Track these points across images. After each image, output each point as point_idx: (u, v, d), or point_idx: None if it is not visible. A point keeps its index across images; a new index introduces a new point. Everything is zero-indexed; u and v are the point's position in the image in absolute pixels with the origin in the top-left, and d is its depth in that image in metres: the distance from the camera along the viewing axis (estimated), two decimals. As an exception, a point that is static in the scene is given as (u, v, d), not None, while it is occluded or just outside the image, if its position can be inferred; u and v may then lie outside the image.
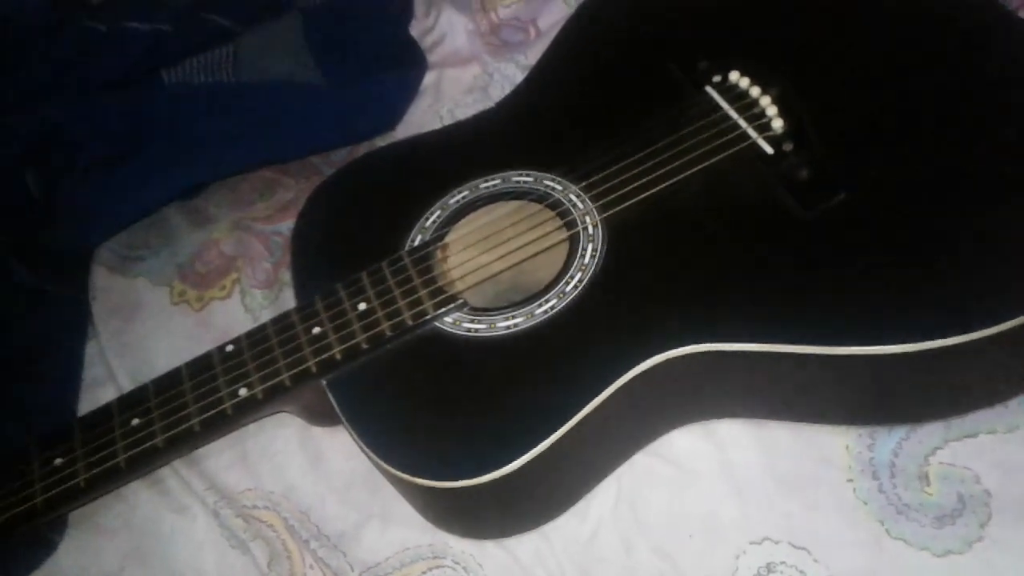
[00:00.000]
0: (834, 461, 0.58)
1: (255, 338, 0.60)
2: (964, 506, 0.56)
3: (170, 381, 0.59)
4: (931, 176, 0.58)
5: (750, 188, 0.60)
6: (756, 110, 0.63)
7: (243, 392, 0.57)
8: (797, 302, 0.55)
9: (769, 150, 0.61)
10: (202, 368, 0.59)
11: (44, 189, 0.74)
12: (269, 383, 0.57)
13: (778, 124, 0.62)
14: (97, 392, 0.72)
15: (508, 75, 0.86)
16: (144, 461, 0.57)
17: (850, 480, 0.57)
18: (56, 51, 0.76)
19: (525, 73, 0.83)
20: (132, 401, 0.59)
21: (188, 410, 0.57)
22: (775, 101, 0.63)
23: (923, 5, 0.67)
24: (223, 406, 0.57)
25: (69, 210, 0.74)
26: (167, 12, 0.79)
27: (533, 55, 0.86)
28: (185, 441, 0.57)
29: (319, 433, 0.66)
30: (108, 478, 0.57)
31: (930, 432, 0.58)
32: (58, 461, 0.57)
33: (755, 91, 0.64)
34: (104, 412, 0.59)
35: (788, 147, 0.61)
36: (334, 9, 0.84)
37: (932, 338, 0.51)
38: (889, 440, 0.58)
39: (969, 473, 0.56)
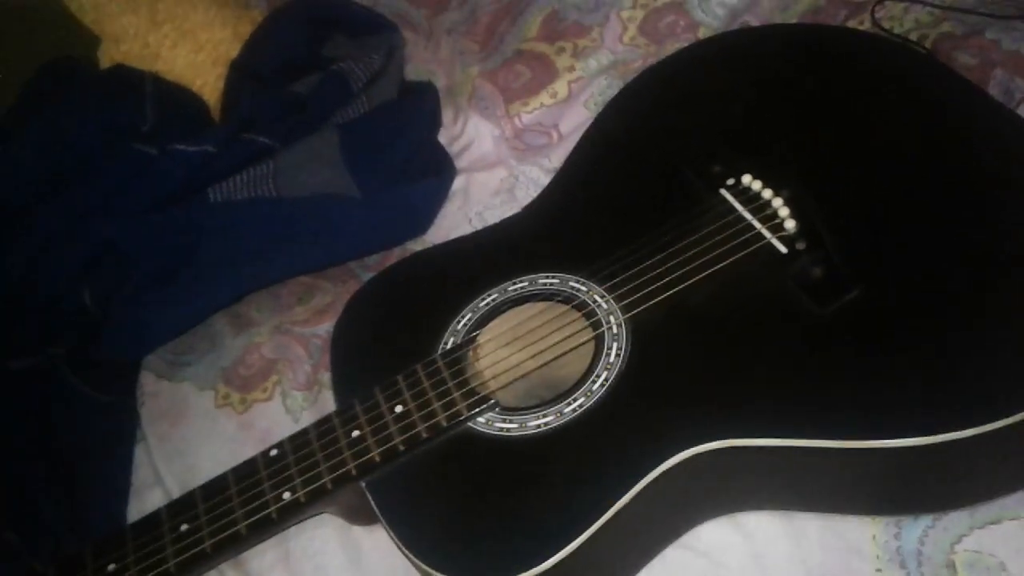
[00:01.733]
0: (862, 551, 0.59)
1: (298, 442, 0.62)
2: (991, 593, 0.56)
3: (217, 486, 0.62)
4: (943, 266, 0.60)
5: (767, 287, 0.62)
6: (769, 211, 0.66)
7: (287, 496, 0.60)
8: (817, 397, 0.57)
9: (783, 250, 0.64)
10: (247, 474, 0.62)
11: (99, 304, 0.79)
12: (311, 487, 0.60)
13: (790, 224, 0.65)
14: (145, 495, 0.75)
15: (533, 177, 0.90)
16: (193, 565, 0.59)
17: (879, 570, 0.58)
18: (110, 173, 0.82)
19: (549, 175, 0.88)
20: (181, 507, 0.61)
21: (235, 515, 0.60)
22: (787, 202, 0.66)
23: (921, 99, 0.71)
24: (268, 510, 0.59)
25: (122, 324, 0.78)
26: (212, 134, 0.85)
27: (556, 158, 0.90)
28: (232, 545, 0.59)
29: (358, 532, 0.68)
30: (159, 583, 0.59)
31: (955, 520, 0.59)
32: (111, 567, 0.60)
33: (767, 193, 0.67)
34: (154, 518, 0.62)
35: (801, 246, 0.63)
36: (367, 124, 0.89)
37: (953, 429, 0.52)
38: (915, 529, 0.59)
39: (994, 560, 0.57)
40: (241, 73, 0.95)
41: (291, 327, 0.83)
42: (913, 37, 0.84)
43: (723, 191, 0.68)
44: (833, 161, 0.69)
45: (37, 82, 0.86)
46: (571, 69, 0.96)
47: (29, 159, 0.81)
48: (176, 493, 0.73)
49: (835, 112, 0.72)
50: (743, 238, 0.65)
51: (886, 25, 0.86)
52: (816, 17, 0.91)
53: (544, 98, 0.95)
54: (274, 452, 0.62)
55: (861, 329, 0.59)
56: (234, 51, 0.97)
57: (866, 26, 0.88)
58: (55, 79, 0.86)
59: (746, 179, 0.68)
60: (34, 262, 0.79)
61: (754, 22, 0.93)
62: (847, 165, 0.68)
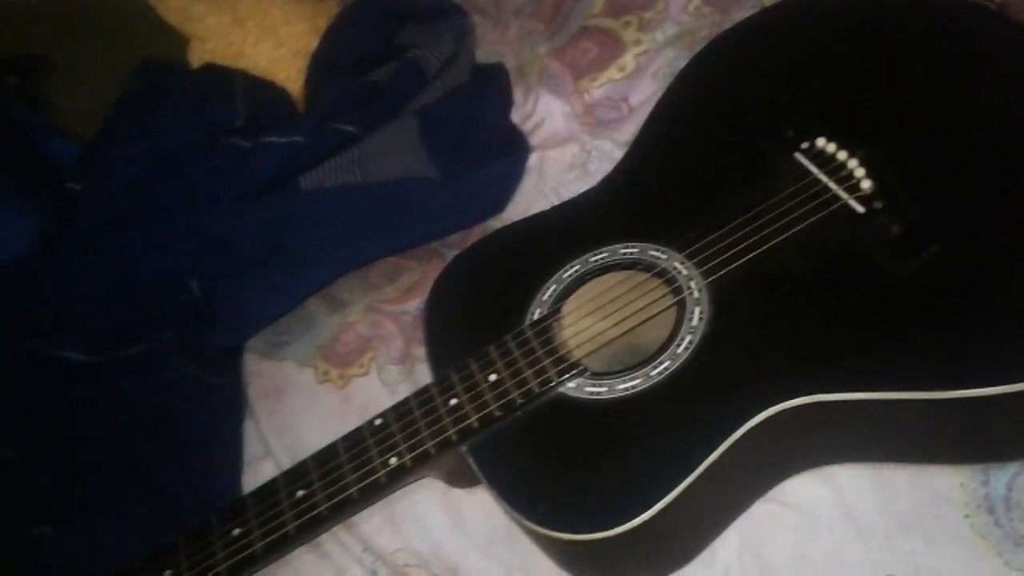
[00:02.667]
0: (950, 498, 0.61)
1: (400, 411, 0.66)
2: (1080, 535, 0.57)
3: (328, 454, 0.66)
4: (1017, 220, 0.61)
5: (845, 246, 0.64)
6: (844, 173, 0.67)
7: (393, 461, 0.64)
8: (898, 351, 0.59)
9: (860, 209, 0.65)
10: (356, 441, 0.66)
11: (205, 292, 0.84)
12: (416, 452, 0.64)
13: (866, 184, 0.66)
14: (258, 468, 0.80)
15: (605, 151, 0.91)
16: (310, 528, 0.64)
17: (967, 516, 0.60)
18: (208, 168, 0.87)
19: (621, 148, 0.90)
20: (295, 475, 0.66)
21: (346, 480, 0.64)
22: (862, 163, 0.67)
23: (991, 58, 0.71)
24: (377, 475, 0.63)
25: (226, 310, 0.83)
26: (299, 125, 0.89)
27: (627, 131, 0.92)
28: (345, 508, 0.64)
29: (459, 494, 0.72)
30: (280, 545, 0.63)
31: (1044, 466, 0.60)
32: (236, 532, 0.64)
33: (842, 155, 0.68)
34: (271, 486, 0.66)
35: (878, 205, 0.65)
36: (442, 108, 0.92)
37: (1035, 376, 0.54)
38: (1002, 476, 0.60)
39: (1083, 503, 0.58)
40: (321, 65, 0.99)
41: (382, 306, 0.87)
42: (983, -6, 0.84)
43: (797, 155, 0.70)
44: (905, 121, 0.69)
45: (136, 84, 0.91)
46: (637, 42, 0.97)
47: (133, 159, 0.86)
48: (286, 464, 0.77)
49: (905, 72, 0.72)
50: (820, 200, 0.67)
51: (956, -19, 0.86)
52: (883, -24, 0.91)
53: (612, 72, 0.97)
54: (378, 421, 0.66)
55: (940, 283, 0.60)
56: (313, 44, 1.01)
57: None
58: (152, 81, 0.91)
59: (820, 142, 0.70)
60: (144, 256, 0.84)
61: (820, -15, 0.93)
62: (919, 125, 0.69)
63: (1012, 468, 0.60)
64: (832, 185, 0.67)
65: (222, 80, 0.93)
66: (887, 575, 0.60)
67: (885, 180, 0.66)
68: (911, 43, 0.75)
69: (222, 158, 0.87)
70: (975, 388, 0.55)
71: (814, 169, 0.68)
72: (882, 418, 0.60)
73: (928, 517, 0.61)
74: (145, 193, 0.86)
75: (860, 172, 0.67)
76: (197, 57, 0.98)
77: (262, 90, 0.96)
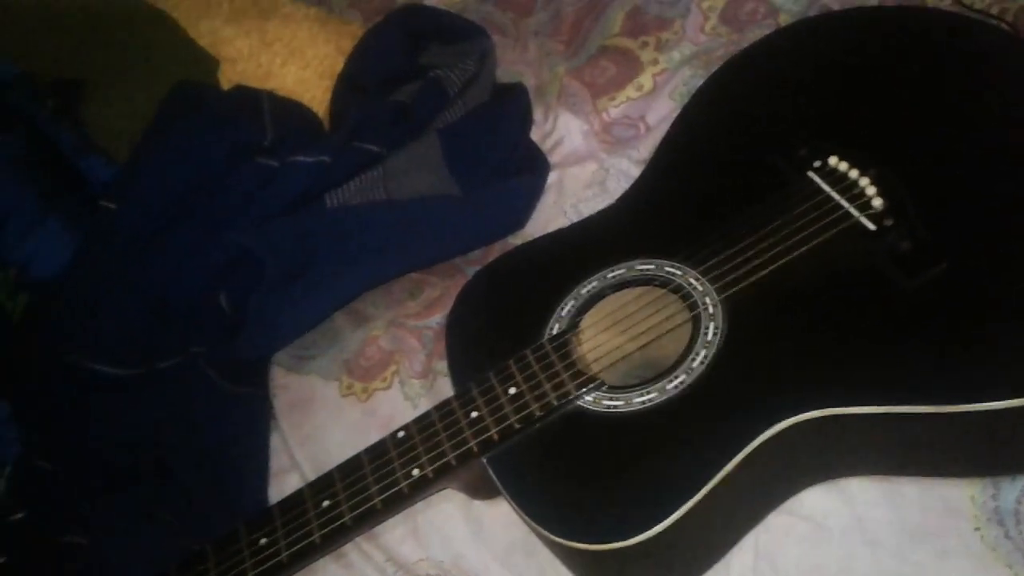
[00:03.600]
0: (961, 511, 0.62)
1: (422, 424, 0.68)
2: (1089, 548, 0.58)
3: (353, 466, 0.68)
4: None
5: (857, 263, 0.65)
6: (856, 190, 0.69)
7: (416, 472, 0.65)
8: (909, 365, 0.60)
9: (872, 227, 0.66)
10: (379, 453, 0.67)
11: (234, 307, 0.87)
12: (438, 463, 0.65)
13: (878, 202, 0.67)
14: (283, 479, 0.82)
15: (623, 169, 0.93)
16: (335, 537, 0.65)
17: (977, 528, 0.61)
18: (238, 186, 0.89)
19: (638, 166, 0.91)
20: (321, 486, 0.68)
21: (370, 491, 0.65)
22: (873, 181, 0.68)
23: (1002, 77, 0.72)
24: (400, 486, 0.65)
25: (255, 324, 0.85)
26: (326, 144, 0.91)
27: (645, 149, 0.93)
28: (369, 518, 0.65)
29: (479, 506, 0.74)
30: (305, 554, 0.65)
31: (1053, 479, 0.61)
32: (263, 541, 0.66)
33: (854, 173, 0.70)
34: (298, 496, 0.68)
35: (889, 222, 0.66)
36: (465, 127, 0.94)
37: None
38: (1012, 489, 0.61)
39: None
40: (347, 85, 1.02)
41: (404, 320, 0.89)
42: (994, 11, 0.85)
43: (810, 173, 0.71)
44: (917, 140, 0.71)
45: (169, 105, 0.94)
46: (655, 62, 0.99)
47: (167, 177, 0.89)
48: (311, 475, 0.80)
49: (916, 92, 0.74)
50: (832, 217, 0.68)
51: (967, 1, 0.87)
52: (896, -5, 0.93)
53: (630, 92, 0.99)
54: (401, 434, 0.68)
55: (950, 298, 0.61)
56: (338, 65, 1.04)
57: (947, 2, 0.88)
58: (184, 102, 0.94)
59: (832, 160, 0.71)
60: (175, 272, 0.87)
61: (834, 4, 0.95)
62: (931, 144, 0.70)
63: (1022, 481, 0.61)
64: (844, 203, 0.68)
65: (251, 101, 0.96)
66: (899, 586, 0.61)
67: (896, 198, 0.67)
68: (922, 62, 0.76)
69: (251, 177, 0.90)
70: (984, 402, 0.56)
71: (826, 187, 0.70)
72: (894, 431, 0.61)
73: (939, 529, 0.62)
74: (177, 211, 0.89)
75: (871, 190, 0.68)
76: (227, 79, 1.01)
77: (289, 110, 0.99)
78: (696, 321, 0.67)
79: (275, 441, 0.85)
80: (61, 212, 0.89)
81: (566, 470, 0.64)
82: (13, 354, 0.86)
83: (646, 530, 0.58)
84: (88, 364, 0.84)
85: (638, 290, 0.72)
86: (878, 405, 0.59)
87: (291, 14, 1.06)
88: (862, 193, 0.68)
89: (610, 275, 0.73)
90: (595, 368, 0.68)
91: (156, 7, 1.01)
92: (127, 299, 0.86)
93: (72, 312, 0.85)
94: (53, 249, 0.88)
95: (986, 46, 0.76)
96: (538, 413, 0.65)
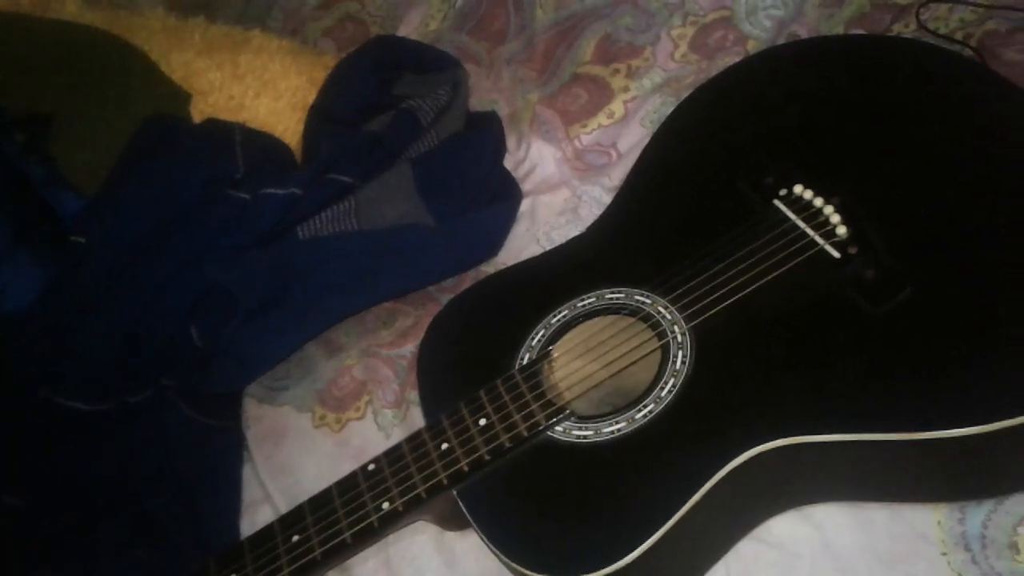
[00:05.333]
0: (928, 536, 0.62)
1: (392, 456, 0.68)
2: (1056, 572, 0.58)
3: (323, 500, 0.67)
4: (990, 263, 0.63)
5: (822, 290, 0.66)
6: (821, 218, 0.69)
7: (386, 506, 0.65)
8: (876, 392, 0.60)
9: (836, 255, 0.67)
10: (349, 487, 0.67)
11: (205, 340, 0.86)
12: (408, 496, 0.65)
13: (842, 231, 0.68)
14: (255, 511, 0.82)
15: (595, 196, 0.94)
16: (305, 572, 0.65)
17: (944, 553, 0.61)
18: (210, 220, 0.89)
19: (610, 193, 0.92)
20: (291, 520, 0.67)
21: (340, 525, 0.65)
22: (837, 209, 0.69)
23: (965, 105, 0.73)
24: (370, 519, 0.65)
25: (226, 357, 0.85)
26: (297, 177, 0.92)
27: (616, 175, 0.94)
28: (339, 552, 0.65)
29: (452, 537, 0.73)
30: (275, 589, 0.65)
31: (1016, 503, 0.61)
32: (233, 577, 0.66)
33: (818, 201, 0.70)
34: (268, 531, 0.67)
35: (853, 250, 0.67)
36: (437, 156, 0.95)
37: (1010, 416, 0.55)
38: (978, 513, 0.62)
39: (1057, 539, 0.59)
40: (319, 116, 1.02)
41: (378, 350, 0.89)
42: (958, 36, 0.86)
43: (776, 202, 0.72)
44: (881, 168, 0.71)
45: (139, 139, 0.94)
46: (626, 89, 1.00)
47: (137, 211, 0.89)
48: (283, 507, 0.79)
49: (880, 120, 0.75)
50: (797, 246, 0.69)
51: (931, 26, 0.89)
52: (862, 21, 0.94)
53: (602, 119, 1.00)
54: (372, 466, 0.68)
55: (916, 326, 0.62)
56: (311, 96, 1.05)
57: (912, 28, 0.90)
58: (155, 135, 0.94)
59: (797, 189, 0.72)
60: (146, 305, 0.87)
61: (802, 31, 0.96)
62: (894, 171, 0.71)
63: (987, 506, 0.62)
64: (809, 231, 0.69)
65: (223, 134, 0.96)
66: (870, 613, 0.61)
67: (859, 226, 0.68)
68: (887, 90, 0.77)
69: (223, 209, 0.90)
70: (951, 428, 0.57)
71: (792, 215, 0.71)
72: (862, 458, 0.61)
73: (907, 554, 0.62)
74: (148, 244, 0.88)
75: (836, 218, 0.69)
76: (199, 111, 1.01)
77: (261, 142, 0.99)
78: (665, 349, 0.67)
79: (248, 473, 0.85)
80: (31, 246, 0.89)
81: (536, 501, 0.64)
82: (-18, 389, 0.85)
83: (615, 561, 0.58)
84: (59, 400, 0.83)
85: (608, 319, 0.72)
86: (845, 433, 0.59)
87: (263, 46, 1.07)
88: (827, 221, 0.69)
89: (580, 304, 0.73)
90: (567, 396, 0.69)
91: (127, 41, 1.01)
92: (97, 334, 0.86)
93: (41, 347, 0.85)
94: (23, 283, 0.88)
95: (951, 74, 0.77)
96: (508, 444, 0.65)
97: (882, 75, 0.78)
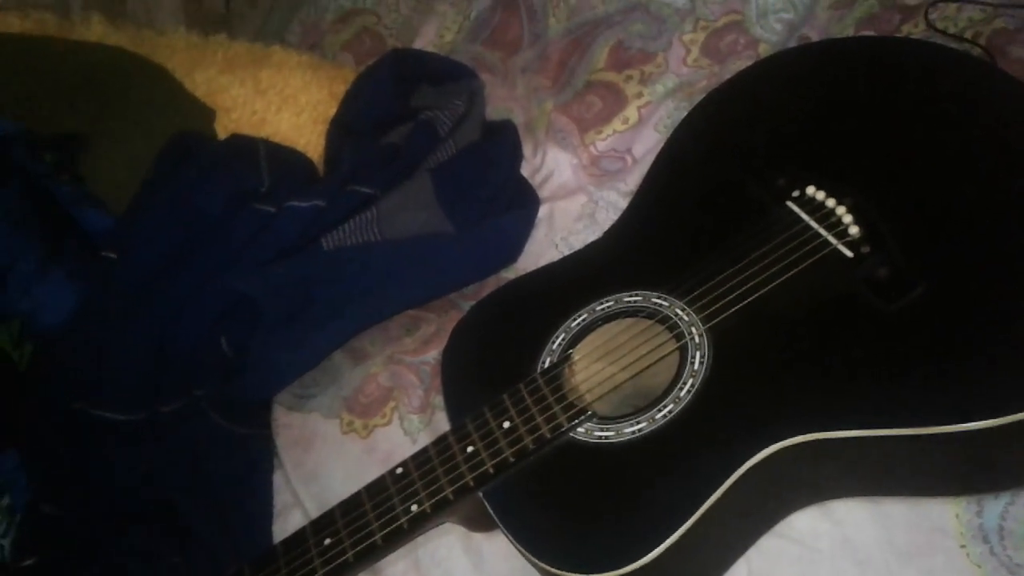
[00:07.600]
0: (946, 529, 0.63)
1: (419, 460, 0.69)
2: (1073, 561, 0.59)
3: (353, 503, 0.69)
4: (1001, 257, 0.64)
5: (836, 290, 0.67)
6: (833, 219, 0.71)
7: (414, 508, 0.67)
8: (892, 388, 0.62)
9: (849, 254, 0.68)
10: (379, 490, 0.69)
11: (235, 350, 0.88)
12: (435, 498, 0.67)
13: (854, 230, 0.69)
14: (287, 516, 0.84)
15: (612, 201, 0.95)
16: (338, 575, 0.67)
17: (963, 546, 0.62)
18: (236, 233, 0.92)
19: (626, 198, 0.93)
20: (323, 524, 0.69)
21: (371, 527, 0.67)
22: (850, 209, 0.70)
23: (976, 105, 0.74)
24: (399, 521, 0.66)
25: (256, 366, 0.87)
26: (320, 189, 0.94)
27: (632, 180, 0.95)
28: (370, 555, 0.67)
29: (479, 538, 0.75)
30: (309, 592, 0.67)
31: (1035, 495, 0.62)
32: (268, 581, 0.68)
33: (831, 202, 0.72)
34: (300, 535, 0.69)
35: (866, 250, 0.68)
36: (456, 165, 0.96)
37: (1022, 410, 0.57)
38: (996, 506, 0.63)
39: (1073, 530, 0.60)
40: (340, 129, 1.04)
41: (402, 357, 0.91)
42: (967, 35, 0.87)
43: (789, 203, 0.73)
44: (892, 168, 0.73)
45: (166, 156, 0.96)
46: (639, 95, 1.02)
47: (165, 226, 0.92)
48: (313, 512, 0.81)
49: (891, 121, 0.76)
50: (811, 246, 0.70)
51: (940, 26, 0.90)
52: (872, 23, 0.95)
53: (616, 125, 1.01)
54: (399, 470, 0.70)
55: (929, 323, 0.63)
56: (331, 110, 1.07)
57: (921, 28, 0.91)
58: (181, 152, 0.96)
59: (810, 190, 0.73)
60: (177, 317, 0.89)
61: (812, 34, 0.97)
62: (906, 171, 0.72)
63: (1005, 498, 0.63)
64: (822, 231, 0.70)
65: (247, 149, 0.98)
66: (890, 605, 0.62)
67: (872, 225, 0.69)
68: (898, 92, 0.78)
69: (249, 223, 0.92)
70: (966, 422, 0.58)
71: (805, 216, 0.72)
72: (880, 453, 0.62)
73: (926, 548, 0.63)
74: (177, 258, 0.91)
75: (848, 218, 0.70)
76: (223, 127, 1.03)
77: (285, 156, 1.02)
78: (683, 351, 0.69)
79: (278, 479, 0.87)
80: (63, 263, 0.91)
81: (560, 501, 0.66)
82: (21, 403, 0.88)
83: (639, 558, 0.59)
84: (93, 411, 0.86)
85: (627, 321, 0.73)
86: (862, 429, 0.60)
87: (284, 61, 1.09)
88: (839, 221, 0.70)
89: (599, 308, 0.74)
90: (588, 399, 0.70)
91: (152, 60, 1.03)
92: (130, 346, 0.88)
93: (76, 360, 0.87)
94: (57, 299, 0.90)
95: (961, 73, 0.78)
96: (532, 446, 0.67)
97: (892, 76, 0.79)
